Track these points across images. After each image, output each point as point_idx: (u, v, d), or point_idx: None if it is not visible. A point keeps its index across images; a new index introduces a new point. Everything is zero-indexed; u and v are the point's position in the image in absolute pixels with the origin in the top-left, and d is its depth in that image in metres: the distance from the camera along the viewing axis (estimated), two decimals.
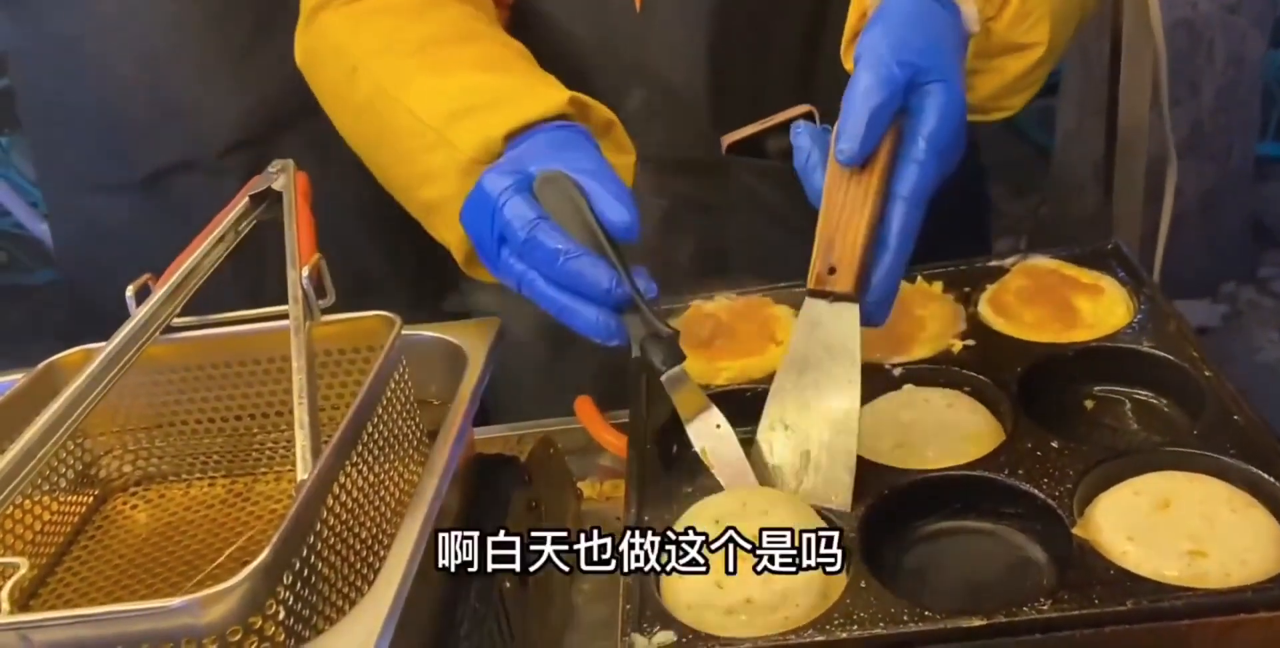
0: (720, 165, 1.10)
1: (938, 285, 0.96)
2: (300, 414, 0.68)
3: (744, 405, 0.80)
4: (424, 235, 1.69)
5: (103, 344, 0.78)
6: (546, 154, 0.79)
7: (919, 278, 0.97)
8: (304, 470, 0.64)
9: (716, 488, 0.75)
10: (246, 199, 0.90)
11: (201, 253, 0.85)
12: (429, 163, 0.87)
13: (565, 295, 0.73)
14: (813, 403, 0.75)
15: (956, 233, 0.98)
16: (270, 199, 0.91)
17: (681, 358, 0.74)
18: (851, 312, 0.73)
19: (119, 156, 1.50)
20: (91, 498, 0.84)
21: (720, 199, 1.12)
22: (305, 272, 0.79)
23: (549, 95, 0.85)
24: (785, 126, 1.09)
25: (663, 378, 0.74)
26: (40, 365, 0.82)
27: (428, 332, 0.85)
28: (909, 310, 0.92)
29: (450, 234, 0.89)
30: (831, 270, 0.73)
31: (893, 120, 0.73)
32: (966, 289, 0.95)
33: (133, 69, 1.44)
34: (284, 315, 0.80)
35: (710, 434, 0.75)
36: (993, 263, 0.98)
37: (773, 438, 0.76)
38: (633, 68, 1.06)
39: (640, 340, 0.73)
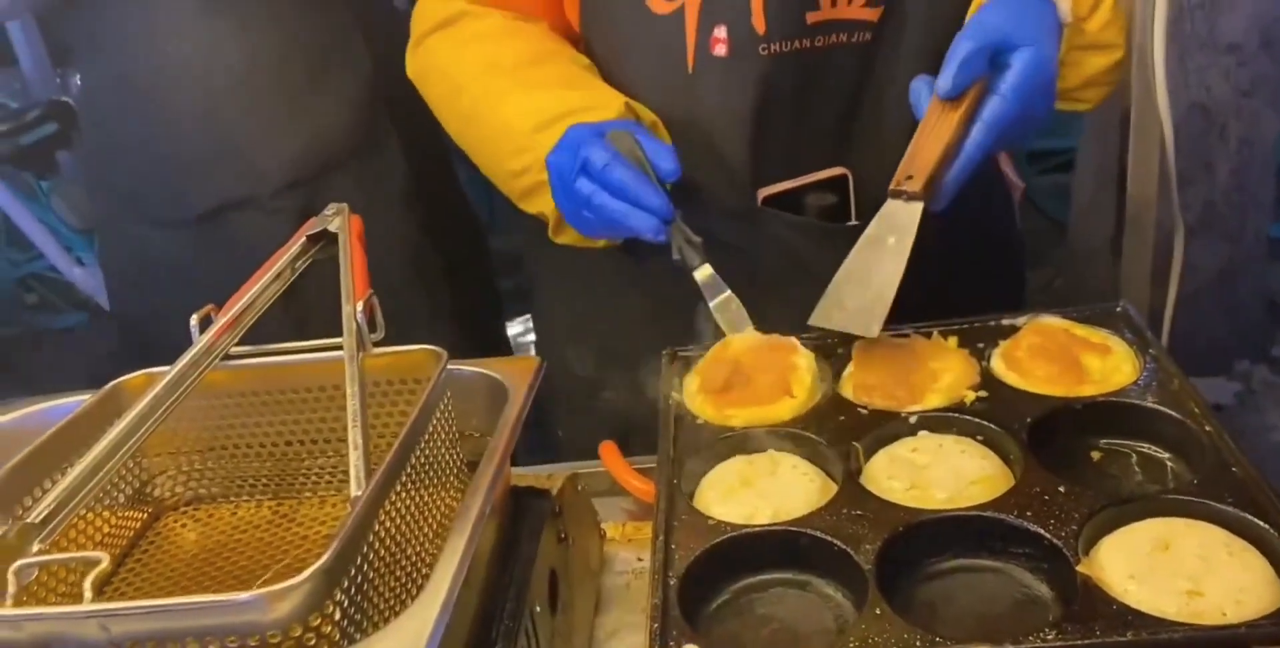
0: (755, 215, 1.17)
1: (953, 340, 1.01)
2: (354, 437, 0.73)
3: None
4: (463, 274, 1.76)
5: (165, 369, 0.83)
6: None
7: (935, 333, 1.02)
8: (358, 487, 0.69)
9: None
10: (304, 239, 0.96)
11: (260, 287, 0.91)
12: (522, 161, 1.10)
13: (627, 206, 0.99)
14: (873, 268, 0.96)
15: (991, 303, 1.08)
16: (325, 240, 0.97)
17: (706, 258, 1.03)
18: (917, 207, 0.95)
19: (177, 194, 1.57)
20: (146, 515, 0.89)
21: (753, 246, 1.18)
22: (359, 307, 0.84)
23: (609, 103, 1.08)
24: (821, 185, 1.17)
25: (694, 273, 1.02)
26: (106, 387, 0.87)
27: (471, 367, 0.90)
28: (924, 363, 0.97)
29: (544, 206, 1.11)
30: (908, 176, 0.95)
31: (984, 69, 0.95)
32: (980, 345, 1.00)
33: (195, 111, 1.52)
34: (335, 347, 0.85)
35: (727, 308, 1.02)
36: (1005, 321, 1.02)
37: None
38: (681, 121, 1.13)
39: (679, 247, 1.02)
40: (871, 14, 1.09)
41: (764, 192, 1.16)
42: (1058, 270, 3.07)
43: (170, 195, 1.58)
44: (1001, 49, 0.96)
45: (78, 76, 3.63)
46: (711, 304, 1.03)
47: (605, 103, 1.09)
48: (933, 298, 1.07)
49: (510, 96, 1.12)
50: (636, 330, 1.25)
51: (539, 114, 1.09)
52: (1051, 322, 1.00)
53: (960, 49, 0.95)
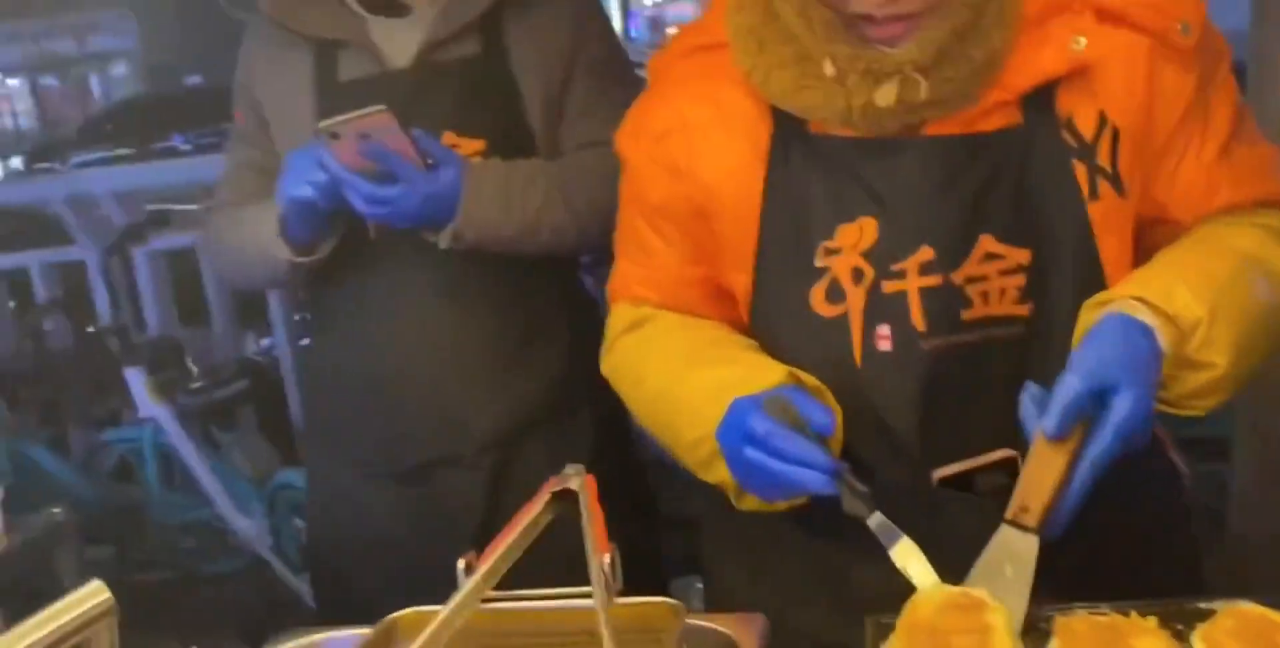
0: (929, 496, 1.22)
1: (1152, 620, 1.04)
2: None
3: None
4: (631, 536, 1.82)
5: (433, 607, 0.93)
6: None
7: (1133, 613, 1.05)
8: None
9: None
10: (549, 494, 1.07)
11: (514, 540, 1.01)
12: (696, 433, 1.20)
13: (794, 467, 1.08)
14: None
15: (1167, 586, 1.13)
16: (563, 498, 1.08)
17: (875, 508, 1.07)
18: (1033, 542, 1.04)
19: (390, 450, 1.72)
20: None
21: (927, 526, 1.22)
22: (607, 558, 0.94)
23: (772, 372, 1.19)
24: (993, 466, 1.23)
25: (867, 521, 1.07)
26: (383, 621, 0.96)
27: (700, 620, 0.97)
28: (1127, 642, 1.00)
29: (722, 475, 1.19)
30: (1025, 509, 1.03)
31: (1087, 411, 1.03)
32: (1179, 626, 1.03)
33: (417, 378, 1.69)
34: (576, 595, 0.94)
35: (906, 554, 1.07)
36: (1201, 604, 1.05)
37: None
38: (851, 408, 1.22)
39: (847, 500, 1.08)
40: (1022, 310, 1.19)
41: (938, 473, 1.23)
42: (1218, 560, 2.98)
43: (382, 451, 1.73)
44: (1105, 391, 1.03)
45: (263, 340, 3.94)
46: (891, 551, 1.07)
47: (768, 372, 1.19)
48: (1110, 577, 1.11)
49: (685, 377, 1.25)
50: (812, 594, 1.30)
51: (709, 389, 1.20)
52: (1248, 607, 1.03)
53: (1066, 392, 1.02)
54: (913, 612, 1.06)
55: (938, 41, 1.11)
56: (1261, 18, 2.08)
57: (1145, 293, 1.10)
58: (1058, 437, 1.03)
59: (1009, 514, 1.03)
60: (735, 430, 1.13)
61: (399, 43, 1.67)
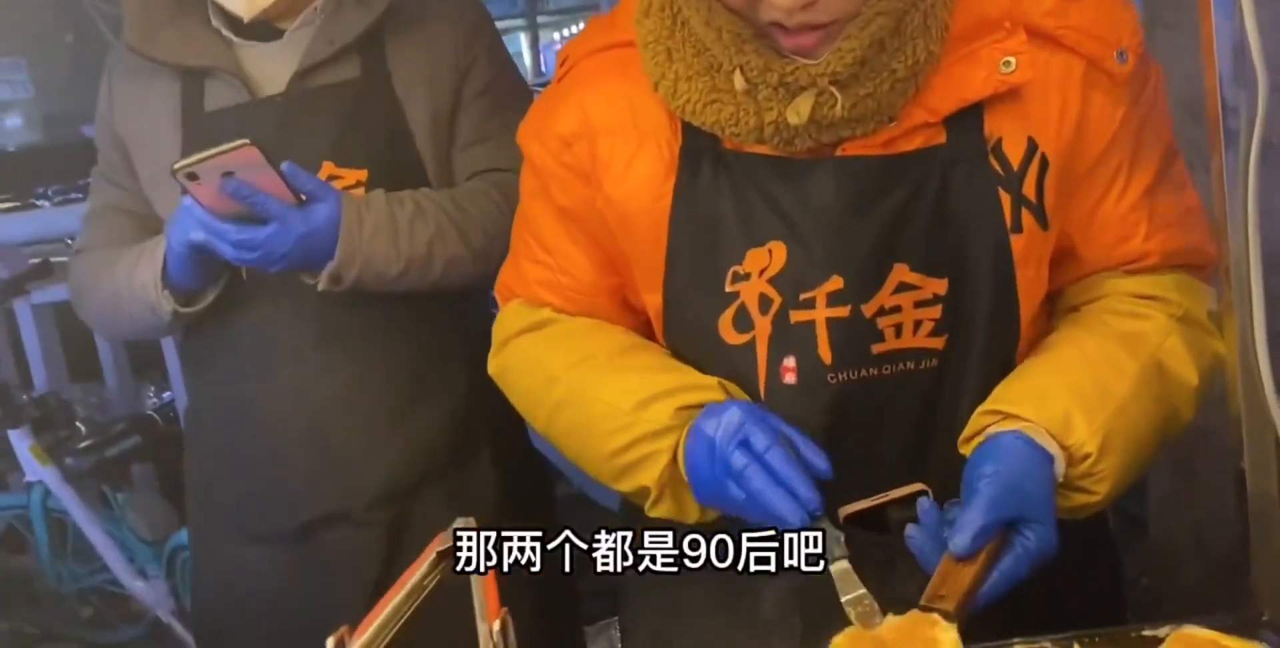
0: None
1: None
2: None
3: None
4: (546, 590, 1.73)
5: None
6: None
7: (1075, 645, 0.98)
8: None
9: None
10: (434, 554, 0.96)
11: (395, 606, 0.90)
12: (622, 438, 1.13)
13: (780, 492, 1.02)
14: None
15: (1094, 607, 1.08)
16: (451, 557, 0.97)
17: (847, 554, 1.02)
18: (952, 629, 0.95)
19: (276, 508, 1.59)
20: None
21: None
22: (496, 625, 0.84)
23: (706, 383, 1.13)
24: (902, 501, 1.16)
25: (831, 565, 1.00)
26: None
27: None
28: None
29: (646, 479, 1.13)
30: (941, 596, 0.98)
31: (1000, 532, 1.01)
32: None
33: (302, 429, 1.57)
34: None
35: (858, 605, 0.99)
36: (1146, 632, 0.99)
37: None
38: None
39: (824, 540, 0.99)
40: (936, 342, 1.12)
41: (845, 510, 1.14)
42: (1143, 568, 2.97)
43: (269, 511, 1.60)
44: (1015, 519, 1.01)
45: (164, 393, 3.76)
46: (844, 599, 1.00)
47: (701, 383, 1.13)
48: (1035, 605, 1.05)
49: (607, 381, 1.16)
50: (732, 631, 1.22)
51: (637, 394, 1.13)
52: (1196, 632, 0.97)
53: (975, 521, 0.99)
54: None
55: (856, 52, 1.02)
56: (1153, 20, 2.07)
57: (1044, 420, 1.05)
58: (966, 557, 0.99)
59: (923, 601, 0.98)
60: (732, 430, 1.05)
61: (270, 69, 1.56)
